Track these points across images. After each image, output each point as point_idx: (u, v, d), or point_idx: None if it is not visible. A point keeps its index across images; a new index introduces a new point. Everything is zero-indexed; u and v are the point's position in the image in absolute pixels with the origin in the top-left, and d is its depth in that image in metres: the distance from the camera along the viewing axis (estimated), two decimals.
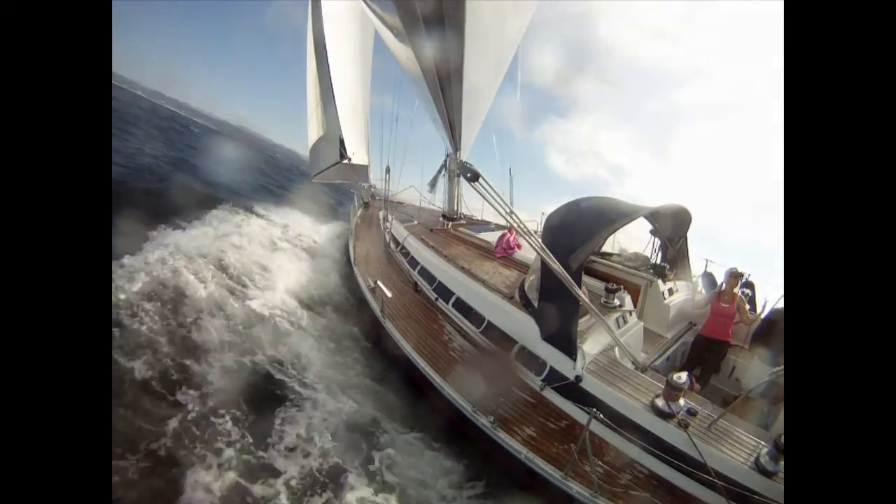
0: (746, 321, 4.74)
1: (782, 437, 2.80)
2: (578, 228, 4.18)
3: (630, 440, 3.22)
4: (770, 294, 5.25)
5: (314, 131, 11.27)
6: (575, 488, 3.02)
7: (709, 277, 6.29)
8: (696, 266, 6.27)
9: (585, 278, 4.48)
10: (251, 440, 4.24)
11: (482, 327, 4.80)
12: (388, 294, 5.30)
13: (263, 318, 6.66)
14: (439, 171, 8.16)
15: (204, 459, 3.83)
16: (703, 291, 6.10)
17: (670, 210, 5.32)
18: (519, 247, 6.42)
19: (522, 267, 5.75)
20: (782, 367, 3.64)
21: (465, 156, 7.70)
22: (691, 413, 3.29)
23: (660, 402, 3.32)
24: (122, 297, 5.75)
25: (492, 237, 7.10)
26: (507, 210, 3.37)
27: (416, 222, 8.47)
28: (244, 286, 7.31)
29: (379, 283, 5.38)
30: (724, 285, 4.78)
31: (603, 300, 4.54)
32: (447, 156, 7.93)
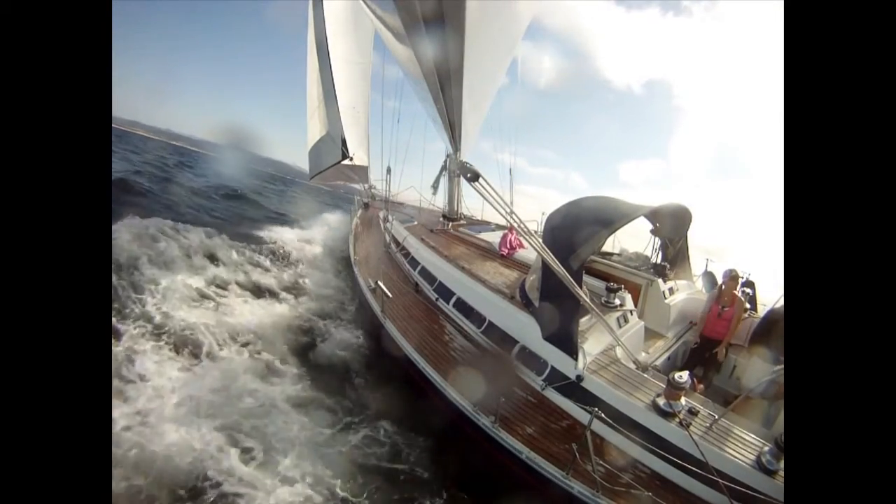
0: (733, 327, 4.68)
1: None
2: (579, 228, 4.17)
3: (632, 439, 3.22)
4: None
5: (314, 131, 11.28)
6: (577, 488, 3.01)
7: (709, 277, 6.29)
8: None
9: (586, 278, 4.48)
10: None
11: (483, 327, 4.80)
12: (389, 294, 5.30)
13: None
14: (440, 173, 8.17)
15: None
16: (704, 290, 6.10)
17: (670, 209, 5.32)
18: (521, 246, 6.43)
19: (523, 267, 5.75)
20: (783, 365, 3.64)
21: (465, 156, 7.70)
22: (692, 412, 3.29)
23: (661, 402, 3.31)
24: None
25: (492, 237, 7.10)
26: (508, 210, 3.37)
27: (416, 223, 8.47)
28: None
29: (380, 283, 5.38)
30: (723, 286, 4.79)
31: (604, 300, 4.54)
32: (447, 156, 7.93)
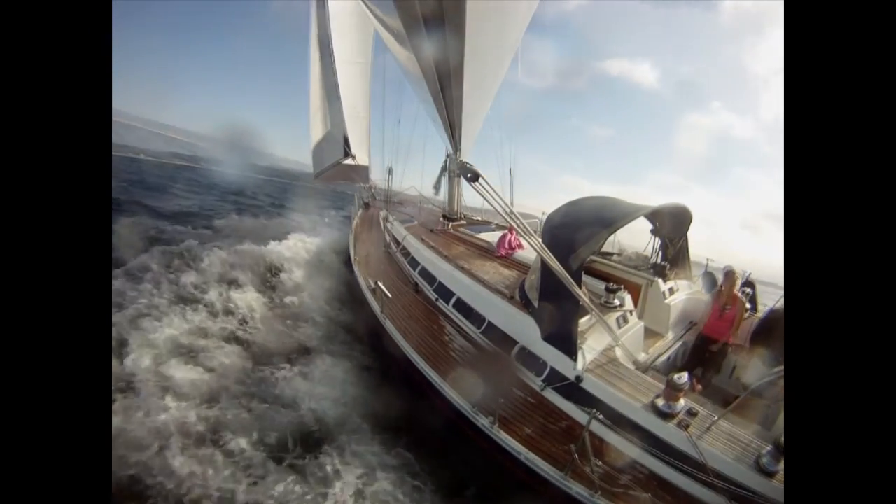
0: (736, 327, 4.68)
1: (783, 437, 2.80)
2: (579, 228, 4.17)
3: (631, 440, 3.21)
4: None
5: (317, 131, 11.30)
6: (575, 489, 3.01)
7: (709, 277, 6.28)
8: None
9: (585, 278, 4.48)
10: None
11: (482, 328, 4.79)
12: (389, 294, 5.30)
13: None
14: (441, 173, 8.16)
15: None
16: (704, 291, 6.09)
17: (670, 209, 5.31)
18: (520, 246, 6.42)
19: (523, 267, 5.74)
20: (782, 366, 3.63)
21: (465, 156, 7.70)
22: (691, 413, 3.29)
23: (660, 403, 3.31)
24: None
25: (492, 237, 7.10)
26: (508, 210, 3.37)
27: (416, 222, 8.47)
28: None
29: (379, 283, 5.38)
30: (722, 285, 4.79)
31: (603, 300, 4.53)
32: (447, 156, 7.93)
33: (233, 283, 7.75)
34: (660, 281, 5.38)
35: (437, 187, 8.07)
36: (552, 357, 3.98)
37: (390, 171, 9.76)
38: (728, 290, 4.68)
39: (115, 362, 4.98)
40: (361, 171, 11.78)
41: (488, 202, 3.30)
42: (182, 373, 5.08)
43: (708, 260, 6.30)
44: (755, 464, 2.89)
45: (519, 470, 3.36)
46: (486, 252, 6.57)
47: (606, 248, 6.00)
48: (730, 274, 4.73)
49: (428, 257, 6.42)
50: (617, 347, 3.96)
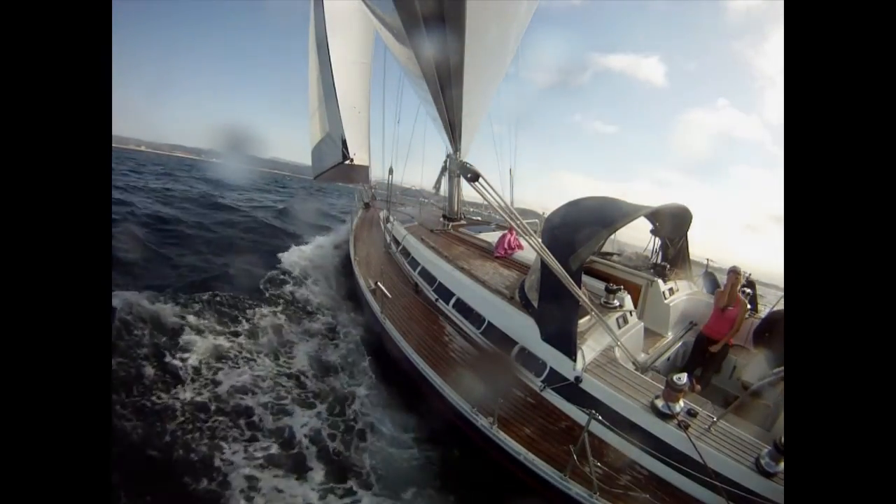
0: (737, 326, 4.66)
1: (783, 437, 2.80)
2: (579, 228, 4.17)
3: (630, 441, 3.21)
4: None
5: (316, 131, 11.26)
6: (574, 489, 3.00)
7: (709, 277, 6.28)
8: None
9: (585, 278, 4.48)
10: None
11: (482, 328, 4.79)
12: (389, 295, 5.30)
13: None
14: (441, 173, 8.16)
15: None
16: (704, 291, 6.10)
17: (671, 210, 5.31)
18: (520, 247, 6.42)
19: (522, 267, 5.74)
20: (782, 367, 3.63)
21: (465, 156, 7.70)
22: (691, 414, 3.28)
23: (660, 403, 3.31)
24: None
25: (492, 237, 7.10)
26: (508, 210, 3.37)
27: (416, 223, 8.48)
28: None
29: (379, 283, 5.38)
30: (726, 284, 4.78)
31: (603, 300, 4.53)
32: (447, 156, 7.93)
33: None
34: (660, 281, 5.38)
35: (437, 187, 8.07)
36: (552, 357, 3.98)
37: (391, 171, 9.76)
38: (731, 289, 4.67)
39: None
40: (361, 172, 11.75)
41: (488, 202, 3.30)
42: None
43: (708, 260, 6.30)
44: (755, 464, 2.88)
45: (518, 470, 3.35)
46: (486, 252, 6.57)
47: (606, 248, 6.01)
48: (734, 273, 4.71)
49: (428, 258, 6.42)
50: (617, 348, 3.96)
